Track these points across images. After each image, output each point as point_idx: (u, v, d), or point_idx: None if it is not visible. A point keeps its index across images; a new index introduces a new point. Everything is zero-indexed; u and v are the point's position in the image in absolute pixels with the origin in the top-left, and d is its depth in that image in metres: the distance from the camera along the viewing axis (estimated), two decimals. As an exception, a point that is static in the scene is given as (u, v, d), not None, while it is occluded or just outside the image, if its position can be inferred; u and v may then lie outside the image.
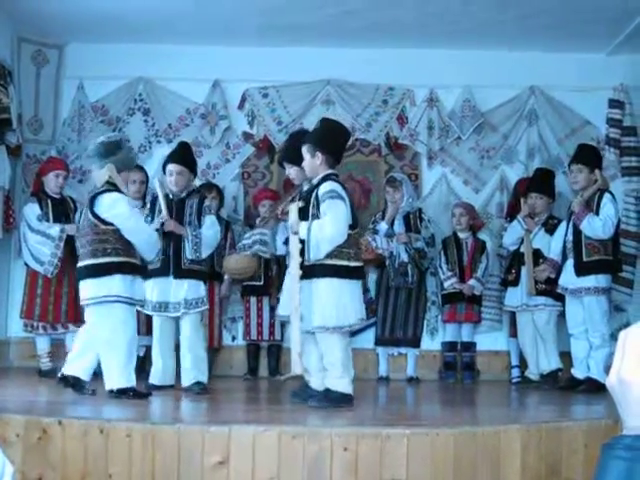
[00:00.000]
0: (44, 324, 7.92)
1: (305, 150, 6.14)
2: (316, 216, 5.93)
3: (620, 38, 8.46)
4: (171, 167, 7.12)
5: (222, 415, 6.04)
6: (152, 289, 6.87)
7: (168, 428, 4.55)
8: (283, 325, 8.12)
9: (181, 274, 6.93)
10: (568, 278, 7.50)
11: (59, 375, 6.44)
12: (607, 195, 7.46)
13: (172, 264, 6.91)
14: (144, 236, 6.36)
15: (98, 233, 6.19)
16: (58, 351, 8.04)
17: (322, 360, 6.00)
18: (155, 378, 6.93)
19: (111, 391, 6.10)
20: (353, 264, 5.96)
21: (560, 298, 7.81)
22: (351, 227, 5.99)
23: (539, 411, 6.67)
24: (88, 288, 6.20)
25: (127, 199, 6.32)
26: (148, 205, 7.18)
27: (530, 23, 8.14)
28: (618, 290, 8.47)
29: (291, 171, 6.73)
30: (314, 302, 5.89)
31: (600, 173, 7.60)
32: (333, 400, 5.84)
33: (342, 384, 5.91)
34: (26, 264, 8.00)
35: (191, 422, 4.87)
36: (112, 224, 6.16)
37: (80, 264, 6.29)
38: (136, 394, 6.10)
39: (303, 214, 5.99)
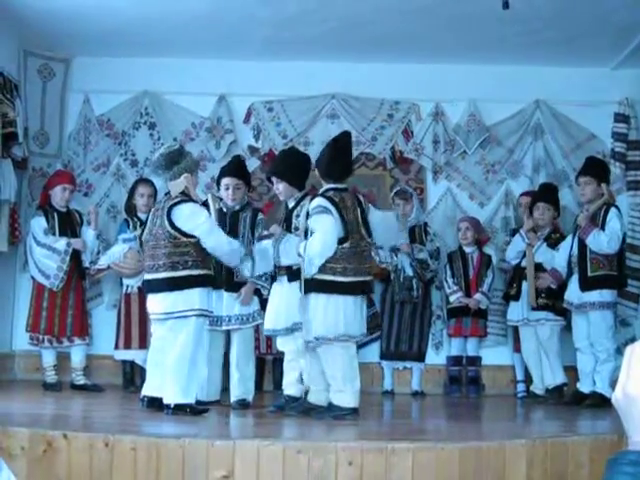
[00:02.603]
0: (50, 337, 7.92)
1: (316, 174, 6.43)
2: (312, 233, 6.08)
3: (625, 52, 8.47)
4: (228, 181, 7.04)
5: (227, 429, 6.03)
6: None
7: (173, 442, 4.53)
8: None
9: (233, 287, 6.87)
10: (573, 293, 7.48)
11: (140, 397, 6.28)
12: (613, 210, 7.42)
13: (224, 277, 6.81)
14: (225, 248, 6.29)
15: (179, 245, 6.06)
16: (64, 365, 8.05)
17: (313, 374, 6.19)
18: (202, 393, 6.71)
19: (168, 406, 5.93)
20: (341, 279, 6.00)
21: (562, 312, 7.80)
22: (341, 241, 6.04)
23: (544, 426, 6.65)
24: (164, 301, 6.07)
25: (203, 208, 6.27)
26: None
27: (535, 37, 8.15)
28: (624, 304, 8.46)
29: (279, 186, 6.71)
30: (304, 316, 6.05)
31: (607, 187, 7.57)
32: (335, 414, 5.94)
33: (344, 398, 6.01)
34: (32, 277, 8.01)
35: (196, 436, 4.86)
36: (193, 236, 6.08)
37: (154, 276, 6.13)
38: (193, 410, 5.96)
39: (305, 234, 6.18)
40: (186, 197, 6.16)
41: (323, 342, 5.98)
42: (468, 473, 4.51)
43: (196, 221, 6.10)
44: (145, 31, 8.25)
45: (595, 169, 7.63)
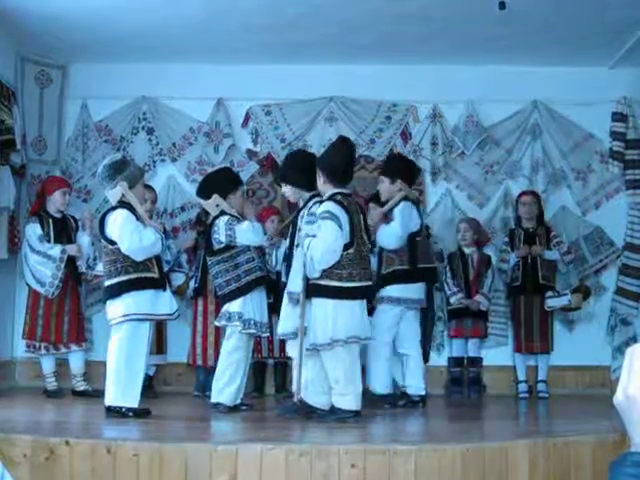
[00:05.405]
0: (46, 345, 7.91)
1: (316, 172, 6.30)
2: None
3: (623, 51, 8.47)
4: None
5: (229, 434, 6.02)
6: (258, 306, 6.77)
7: (175, 447, 4.53)
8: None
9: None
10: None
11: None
12: (399, 206, 7.17)
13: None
14: (135, 246, 6.10)
15: (108, 253, 6.17)
16: (65, 371, 8.04)
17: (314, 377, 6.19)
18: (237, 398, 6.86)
19: (108, 408, 6.08)
20: (348, 285, 6.00)
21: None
22: (347, 246, 6.02)
23: (547, 426, 6.64)
24: (109, 309, 6.18)
25: (130, 215, 6.14)
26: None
27: (532, 38, 8.15)
28: (624, 303, 8.45)
29: (286, 189, 6.73)
30: (310, 321, 6.04)
31: (403, 183, 7.27)
32: (337, 417, 5.97)
33: (346, 401, 6.03)
34: (27, 284, 8.00)
35: (198, 441, 4.85)
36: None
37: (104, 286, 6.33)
38: (135, 413, 6.05)
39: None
40: (124, 204, 6.20)
41: (333, 345, 5.97)
42: (471, 474, 4.51)
43: (116, 229, 6.11)
44: (142, 37, 8.25)
45: (388, 167, 7.49)
